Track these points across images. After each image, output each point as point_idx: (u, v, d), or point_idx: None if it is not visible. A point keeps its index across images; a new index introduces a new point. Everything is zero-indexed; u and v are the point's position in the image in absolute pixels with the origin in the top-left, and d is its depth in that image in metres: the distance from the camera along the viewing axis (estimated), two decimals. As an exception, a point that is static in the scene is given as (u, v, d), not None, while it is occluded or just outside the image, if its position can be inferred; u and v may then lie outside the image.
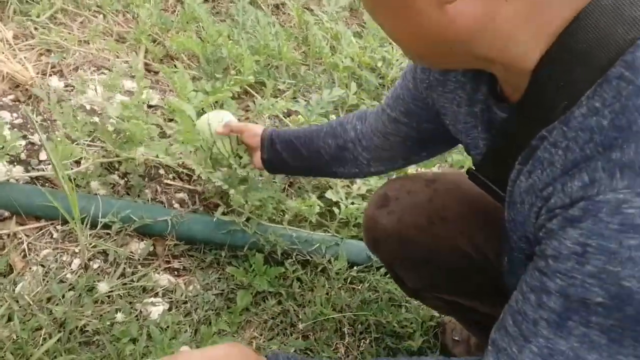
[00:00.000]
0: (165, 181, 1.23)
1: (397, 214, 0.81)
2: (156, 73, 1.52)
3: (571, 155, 0.42)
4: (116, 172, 1.19)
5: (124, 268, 1.04)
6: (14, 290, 0.95)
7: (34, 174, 1.10)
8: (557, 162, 0.43)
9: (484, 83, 0.56)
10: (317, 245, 1.17)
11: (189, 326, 1.00)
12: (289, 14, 1.89)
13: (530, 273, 0.47)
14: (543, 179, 0.45)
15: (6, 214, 1.03)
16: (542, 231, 0.45)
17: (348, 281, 1.18)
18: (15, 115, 1.22)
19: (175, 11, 1.74)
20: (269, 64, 1.61)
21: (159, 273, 1.07)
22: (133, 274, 1.04)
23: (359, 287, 1.18)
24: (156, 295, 1.04)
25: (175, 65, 1.48)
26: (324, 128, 0.92)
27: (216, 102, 1.37)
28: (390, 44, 1.81)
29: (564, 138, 0.43)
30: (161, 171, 1.24)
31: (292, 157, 0.94)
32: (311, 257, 1.17)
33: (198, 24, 1.66)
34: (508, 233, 0.56)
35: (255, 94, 1.52)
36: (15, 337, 0.88)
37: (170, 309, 1.02)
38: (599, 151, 0.39)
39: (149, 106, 1.38)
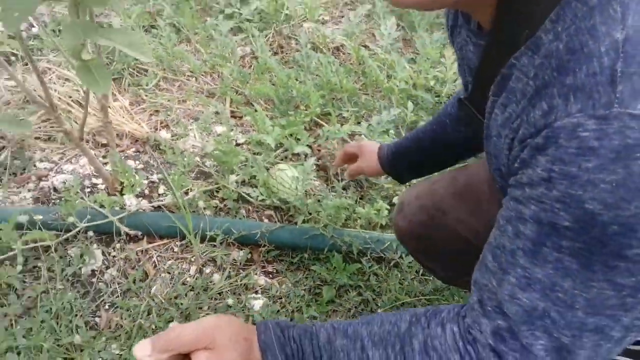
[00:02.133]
0: (255, 202, 1.47)
1: (408, 217, 0.96)
2: (240, 118, 1.81)
3: (537, 83, 0.41)
4: (216, 197, 1.45)
5: (229, 271, 1.27)
6: (149, 292, 1.21)
7: (155, 204, 1.39)
8: (528, 92, 0.42)
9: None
10: (389, 243, 1.33)
11: (285, 315, 1.20)
12: (348, 53, 2.13)
13: (506, 205, 0.47)
14: (517, 111, 0.44)
15: (139, 235, 1.32)
16: (517, 162, 0.44)
17: (420, 273, 1.32)
18: (137, 162, 1.55)
19: (251, 65, 2.05)
20: (332, 97, 1.84)
21: (257, 274, 1.29)
22: (237, 275, 1.27)
23: (430, 278, 1.31)
24: (256, 292, 1.25)
25: (255, 110, 1.76)
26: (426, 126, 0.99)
27: (291, 134, 1.61)
28: (442, 64, 1.97)
29: (532, 66, 0.42)
30: (251, 194, 1.49)
31: (417, 152, 1.00)
32: (384, 254, 1.33)
33: (270, 73, 1.95)
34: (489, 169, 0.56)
35: (323, 124, 1.75)
36: (154, 327, 1.14)
37: (268, 303, 1.23)
38: (554, 76, 0.39)
39: (237, 144, 1.66)
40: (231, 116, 1.81)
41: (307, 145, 1.58)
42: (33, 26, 2.09)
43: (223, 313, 1.18)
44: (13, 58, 1.90)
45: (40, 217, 1.28)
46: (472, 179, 0.93)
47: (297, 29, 2.22)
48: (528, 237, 0.43)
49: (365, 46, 2.15)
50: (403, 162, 1.02)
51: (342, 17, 2.42)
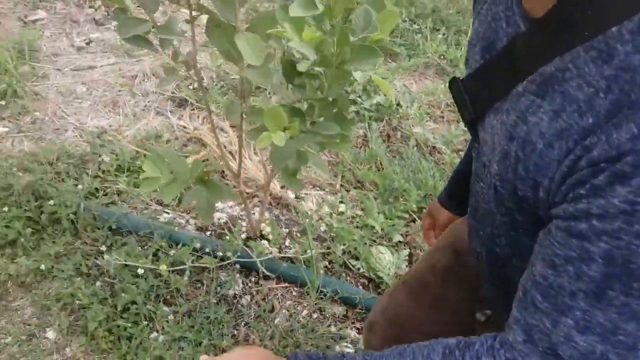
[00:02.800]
0: (355, 270, 1.90)
1: (379, 335, 0.99)
2: (348, 191, 2.27)
3: (613, 98, 0.37)
4: (326, 259, 1.90)
5: (330, 320, 1.70)
6: (274, 322, 1.66)
7: (284, 255, 1.85)
8: (600, 105, 0.37)
9: None
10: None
11: (366, 366, 1.60)
12: (442, 154, 2.56)
13: (563, 242, 0.42)
14: (583, 124, 0.39)
15: (272, 276, 1.78)
16: (582, 187, 0.39)
17: None
18: (271, 214, 2.02)
19: (362, 147, 2.51)
20: (429, 194, 2.27)
21: (350, 329, 1.71)
22: (335, 325, 1.69)
23: None
24: (348, 342, 1.67)
25: (367, 197, 2.21)
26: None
27: (392, 225, 2.04)
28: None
29: (601, 76, 0.38)
30: (355, 264, 1.92)
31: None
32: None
33: (377, 159, 2.41)
34: (491, 195, 0.52)
35: (416, 218, 2.17)
36: (274, 348, 1.57)
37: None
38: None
39: (340, 212, 2.11)
40: (340, 185, 2.27)
41: (401, 234, 2.01)
42: (203, 79, 2.67)
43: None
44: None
45: (204, 244, 1.76)
46: (419, 275, 0.96)
47: (404, 121, 2.68)
48: (593, 279, 0.40)
49: (458, 151, 2.58)
50: (460, 193, 0.93)
51: (443, 117, 2.86)
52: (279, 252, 1.87)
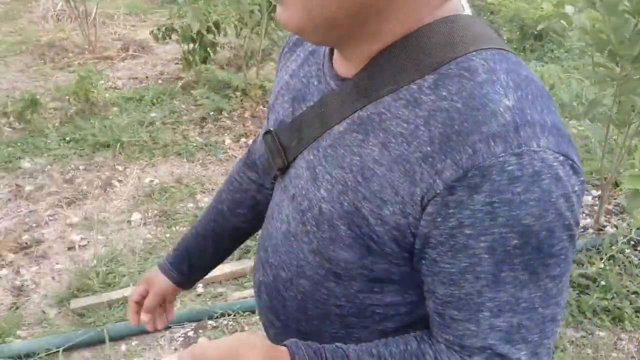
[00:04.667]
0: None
1: None
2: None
3: (437, 131, 0.47)
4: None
5: None
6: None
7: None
8: (423, 136, 0.48)
9: (325, 56, 0.61)
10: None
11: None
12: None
13: (453, 261, 0.49)
14: (417, 148, 0.48)
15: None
16: (446, 205, 0.47)
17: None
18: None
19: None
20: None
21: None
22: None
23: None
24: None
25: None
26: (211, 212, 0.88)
27: None
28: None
29: (415, 116, 0.49)
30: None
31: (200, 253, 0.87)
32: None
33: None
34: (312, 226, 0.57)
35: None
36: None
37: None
38: (468, 127, 0.46)
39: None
40: None
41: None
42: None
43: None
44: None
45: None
46: None
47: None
48: (488, 272, 0.49)
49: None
50: (185, 263, 0.87)
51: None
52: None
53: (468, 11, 0.55)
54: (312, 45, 0.65)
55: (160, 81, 3.69)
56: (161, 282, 0.86)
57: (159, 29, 3.51)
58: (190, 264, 0.86)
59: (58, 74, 3.76)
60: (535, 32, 4.04)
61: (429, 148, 0.48)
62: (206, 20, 3.24)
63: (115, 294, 1.97)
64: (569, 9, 2.55)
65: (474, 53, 0.50)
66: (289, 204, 0.62)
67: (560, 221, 0.48)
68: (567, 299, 0.55)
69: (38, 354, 1.71)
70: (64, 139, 2.96)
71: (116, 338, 1.80)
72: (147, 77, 3.76)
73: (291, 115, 0.64)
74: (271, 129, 0.65)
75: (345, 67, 0.57)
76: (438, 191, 0.47)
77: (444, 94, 0.48)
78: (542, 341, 0.52)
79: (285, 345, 0.54)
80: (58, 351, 1.71)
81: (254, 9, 3.07)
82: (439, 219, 0.48)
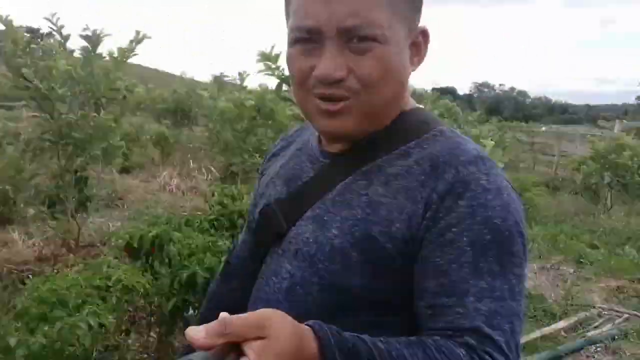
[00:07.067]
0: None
1: None
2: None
3: (427, 165, 0.66)
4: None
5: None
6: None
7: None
8: (415, 172, 0.66)
9: (315, 138, 0.77)
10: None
11: None
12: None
13: (441, 254, 0.63)
14: (414, 179, 0.66)
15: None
16: (440, 211, 0.63)
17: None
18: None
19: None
20: None
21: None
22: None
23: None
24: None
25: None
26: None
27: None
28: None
29: (407, 162, 0.68)
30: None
31: None
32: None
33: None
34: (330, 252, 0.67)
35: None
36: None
37: None
38: (450, 159, 0.65)
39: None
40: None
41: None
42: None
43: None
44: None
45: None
46: None
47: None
48: (469, 262, 0.61)
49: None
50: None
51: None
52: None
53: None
54: (299, 144, 0.82)
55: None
56: None
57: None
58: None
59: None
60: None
61: (423, 177, 0.65)
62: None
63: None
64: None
65: (441, 127, 0.72)
66: (291, 261, 0.70)
67: (516, 227, 0.63)
68: (524, 312, 0.64)
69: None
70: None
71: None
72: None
73: (286, 192, 0.75)
74: (269, 203, 0.76)
75: (335, 147, 0.73)
76: (433, 201, 0.64)
77: (426, 147, 0.68)
78: (512, 334, 0.61)
79: (309, 326, 0.55)
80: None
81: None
82: (432, 223, 0.64)
